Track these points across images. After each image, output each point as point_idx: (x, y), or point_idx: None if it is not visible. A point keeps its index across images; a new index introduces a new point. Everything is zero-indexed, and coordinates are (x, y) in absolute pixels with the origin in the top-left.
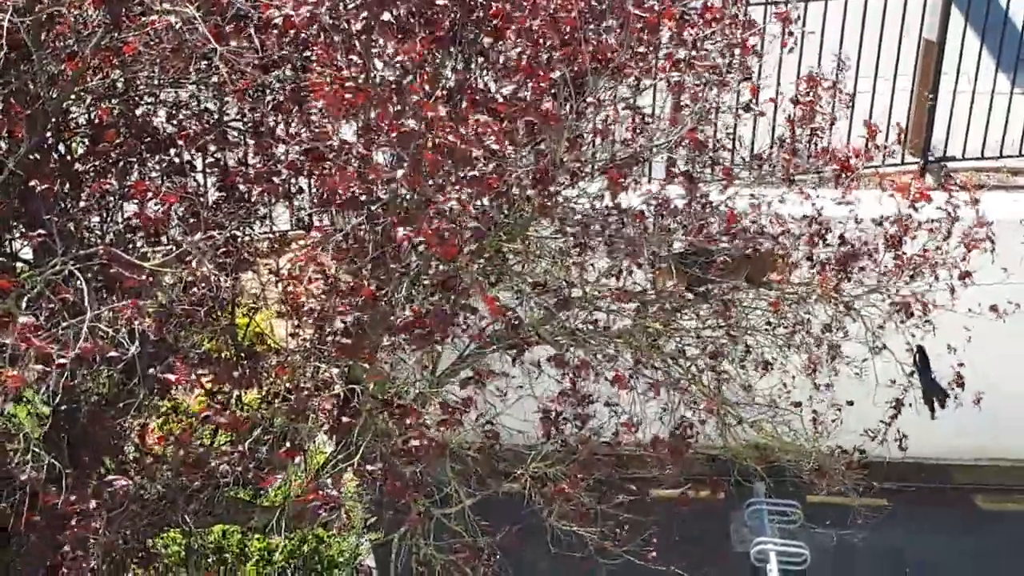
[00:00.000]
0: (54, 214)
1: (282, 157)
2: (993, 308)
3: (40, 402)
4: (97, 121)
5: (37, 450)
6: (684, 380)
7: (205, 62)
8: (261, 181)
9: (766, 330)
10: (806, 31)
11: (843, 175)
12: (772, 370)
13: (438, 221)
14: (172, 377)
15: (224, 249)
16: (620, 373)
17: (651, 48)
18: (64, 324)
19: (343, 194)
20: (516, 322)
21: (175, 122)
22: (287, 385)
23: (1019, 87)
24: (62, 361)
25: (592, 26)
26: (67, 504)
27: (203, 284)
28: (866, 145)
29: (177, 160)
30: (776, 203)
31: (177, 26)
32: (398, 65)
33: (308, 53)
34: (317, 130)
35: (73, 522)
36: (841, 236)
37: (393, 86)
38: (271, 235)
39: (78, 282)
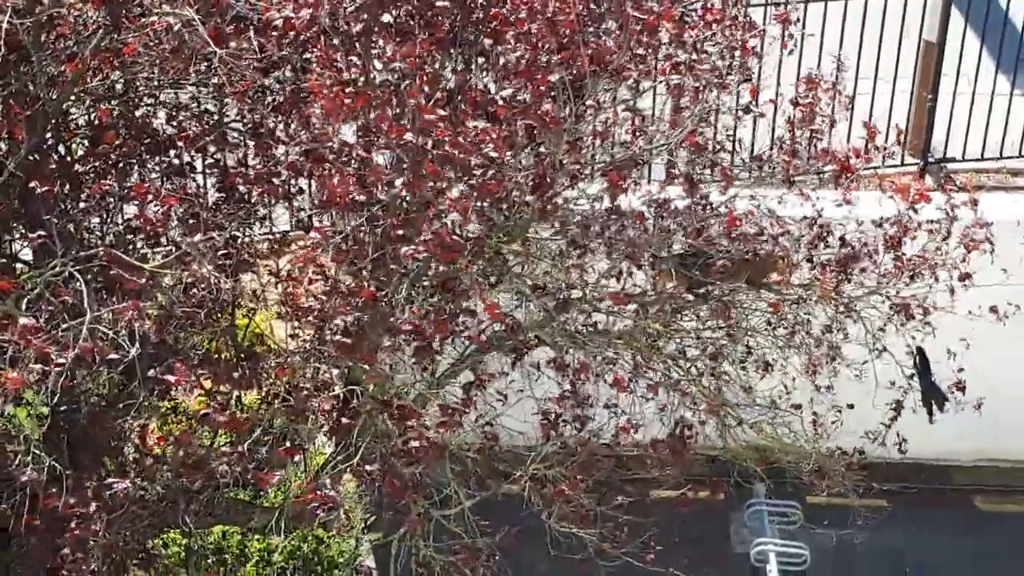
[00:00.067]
0: (54, 215)
1: (282, 158)
2: (993, 310)
3: (40, 403)
4: (97, 122)
5: (37, 451)
6: (684, 381)
7: (205, 64)
8: (261, 182)
9: (766, 331)
10: (806, 33)
11: (843, 176)
12: (772, 371)
13: (439, 225)
14: (172, 378)
15: (224, 250)
16: (619, 376)
17: (650, 50)
18: (64, 326)
19: (342, 199)
20: (515, 325)
21: (175, 123)
22: (287, 386)
23: (1019, 88)
24: (61, 361)
25: (591, 28)
26: (67, 506)
27: (203, 285)
28: (866, 146)
29: (177, 161)
30: (776, 204)
31: (176, 28)
32: (397, 68)
33: (308, 55)
34: (317, 132)
35: (73, 524)
36: (841, 238)
37: (392, 88)
38: (271, 236)
39: (78, 283)
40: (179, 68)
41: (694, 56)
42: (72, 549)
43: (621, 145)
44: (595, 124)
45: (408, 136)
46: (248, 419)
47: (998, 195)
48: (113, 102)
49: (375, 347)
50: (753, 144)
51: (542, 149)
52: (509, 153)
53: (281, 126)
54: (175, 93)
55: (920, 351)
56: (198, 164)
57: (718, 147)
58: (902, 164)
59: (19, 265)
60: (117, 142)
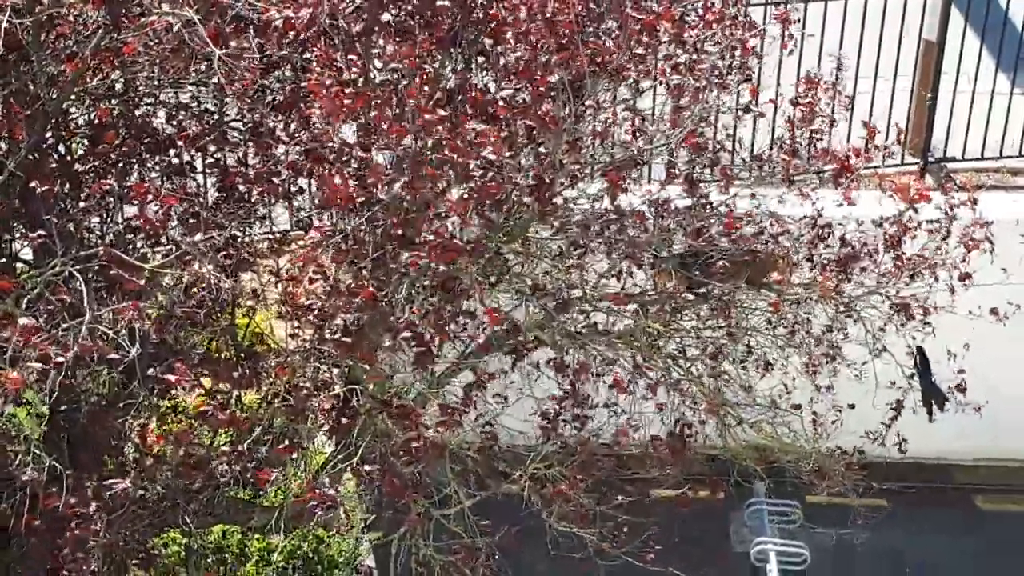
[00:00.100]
0: (54, 215)
1: (282, 157)
2: (993, 311)
3: (40, 403)
4: (97, 122)
5: (37, 451)
6: (684, 380)
7: (205, 63)
8: (261, 181)
9: (766, 330)
10: (806, 33)
11: (842, 175)
12: (772, 371)
13: (438, 224)
14: (172, 378)
15: (224, 250)
16: (619, 378)
17: (649, 50)
18: (64, 325)
19: (343, 200)
20: (515, 326)
21: (175, 123)
22: (286, 385)
23: (1019, 87)
24: (60, 360)
25: (590, 28)
26: (67, 506)
27: (203, 285)
28: (866, 145)
29: (177, 161)
30: (776, 204)
31: (176, 28)
32: (397, 68)
33: (308, 55)
34: (317, 132)
35: (73, 524)
36: (842, 238)
37: (392, 88)
38: (271, 235)
39: (78, 283)
40: (179, 67)
41: (694, 56)
42: (72, 549)
43: (621, 145)
44: (595, 124)
45: (407, 141)
46: (248, 418)
47: (998, 194)
48: (113, 101)
49: (375, 346)
50: (753, 144)
51: (542, 149)
52: (508, 154)
53: (281, 125)
54: (175, 92)
55: (920, 351)
56: (198, 163)
57: (718, 147)
58: (902, 163)
59: (19, 264)
60: (117, 141)
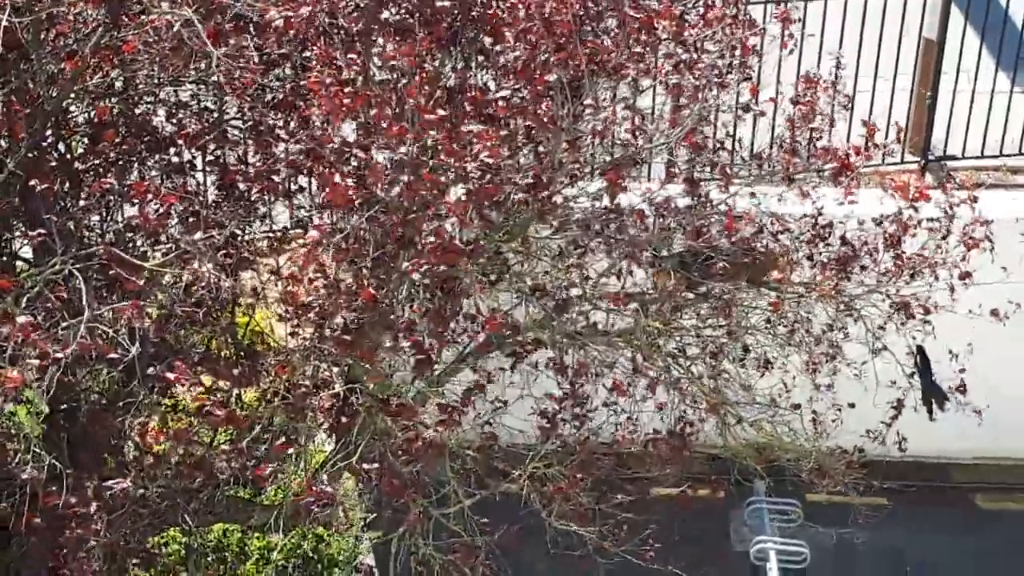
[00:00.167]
0: (54, 213)
1: (282, 156)
2: (994, 313)
3: (40, 402)
4: (96, 120)
5: (37, 450)
6: (684, 379)
7: (205, 61)
8: (261, 179)
9: (766, 329)
10: (806, 32)
11: (842, 174)
12: (772, 370)
13: (437, 224)
14: (172, 375)
15: (224, 249)
16: (618, 382)
17: (647, 48)
18: (64, 324)
19: (342, 201)
20: (515, 327)
21: (175, 121)
22: (286, 384)
23: (1019, 86)
24: (59, 356)
25: (589, 27)
26: (68, 505)
27: (203, 284)
28: (866, 144)
29: (177, 159)
30: (776, 202)
31: (175, 27)
32: (396, 66)
33: (308, 53)
34: (316, 131)
35: (73, 524)
36: (842, 237)
37: (392, 87)
38: (271, 234)
39: (77, 282)
40: (179, 65)
41: (694, 55)
42: (73, 549)
43: (621, 144)
44: (595, 123)
45: (403, 149)
46: (248, 416)
47: (998, 193)
48: (113, 100)
49: (375, 346)
50: (753, 142)
51: (541, 148)
52: (507, 154)
53: (281, 124)
54: (175, 91)
55: (920, 350)
56: (198, 162)
57: (718, 146)
58: (902, 162)
59: (19, 263)
60: (117, 140)
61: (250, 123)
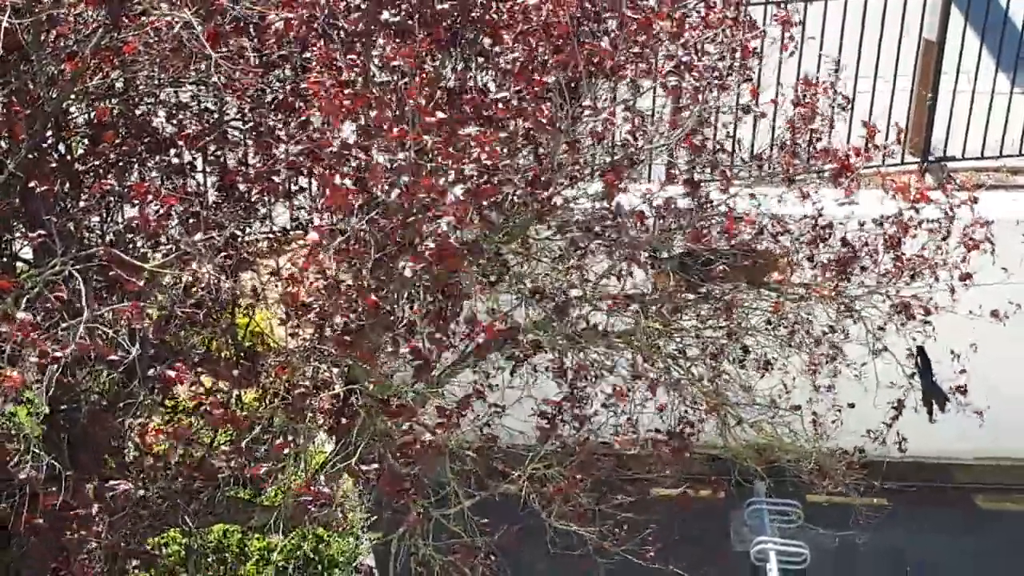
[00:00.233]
0: (54, 214)
1: (282, 157)
2: (994, 313)
3: (41, 403)
4: (97, 121)
5: (36, 450)
6: (684, 380)
7: (205, 62)
8: (261, 180)
9: (767, 330)
10: (806, 35)
11: (842, 175)
12: (772, 371)
13: (435, 226)
14: (172, 374)
15: (224, 250)
16: (619, 387)
17: (646, 49)
18: (63, 325)
19: (342, 205)
20: (515, 330)
21: (175, 122)
22: (286, 384)
23: (1019, 87)
24: (58, 355)
25: (586, 28)
26: (69, 507)
27: (203, 285)
28: (866, 145)
29: (177, 160)
30: (776, 204)
31: (176, 28)
32: (396, 67)
33: (308, 54)
34: (316, 132)
35: (75, 525)
36: (843, 239)
37: (392, 88)
38: (271, 234)
39: (77, 283)
40: (179, 67)
41: (694, 57)
42: (75, 550)
43: (621, 146)
44: (595, 124)
45: (402, 155)
46: (247, 417)
47: (998, 193)
48: (113, 101)
49: (375, 347)
50: (753, 144)
51: (540, 150)
52: (505, 156)
53: (280, 125)
54: (175, 91)
55: (921, 350)
56: (198, 163)
57: (718, 147)
58: (902, 163)
59: (19, 264)
60: (117, 141)
61: (250, 124)
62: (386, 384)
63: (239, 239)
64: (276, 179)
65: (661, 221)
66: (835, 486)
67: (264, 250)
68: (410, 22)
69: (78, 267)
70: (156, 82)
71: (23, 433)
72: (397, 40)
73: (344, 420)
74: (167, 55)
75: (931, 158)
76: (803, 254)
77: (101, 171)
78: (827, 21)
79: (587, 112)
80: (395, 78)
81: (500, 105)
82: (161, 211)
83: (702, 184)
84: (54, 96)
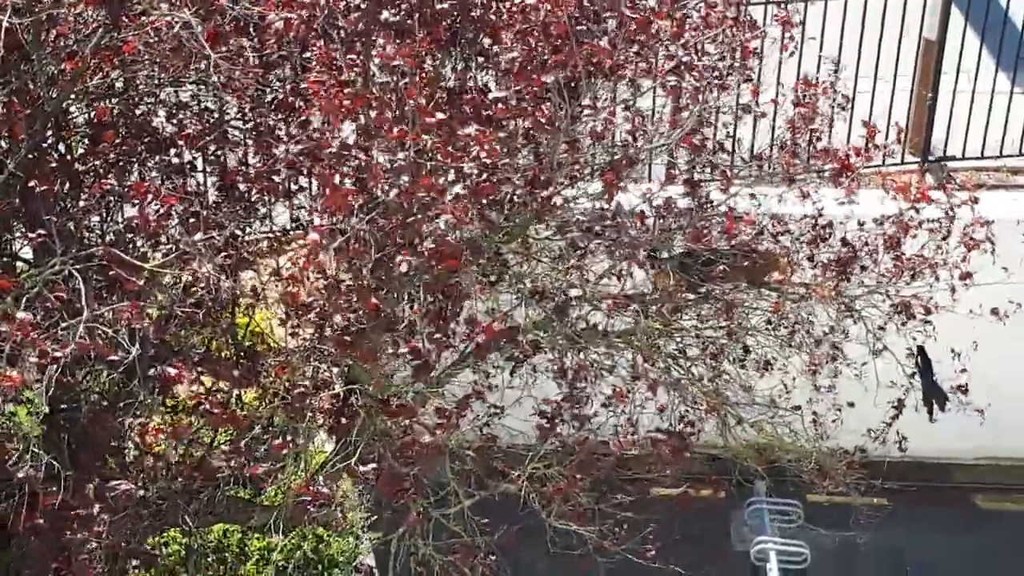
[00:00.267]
0: (54, 214)
1: (282, 156)
2: (994, 312)
3: (41, 403)
4: (97, 121)
5: (35, 450)
6: (684, 380)
7: (205, 61)
8: (261, 180)
9: (767, 330)
10: (806, 35)
11: (843, 174)
12: (772, 370)
13: (433, 226)
14: (172, 372)
15: (224, 250)
16: (619, 389)
17: (645, 48)
18: (63, 325)
19: (341, 206)
20: (515, 330)
21: (175, 121)
22: (286, 384)
23: (1019, 86)
24: (58, 355)
25: (585, 27)
26: (70, 507)
27: (203, 284)
28: (866, 145)
29: (177, 160)
30: (776, 203)
31: (175, 28)
32: (396, 67)
33: (308, 54)
34: (316, 132)
35: (76, 525)
36: (843, 239)
37: (392, 88)
38: (271, 234)
39: (77, 282)
40: (179, 66)
41: (694, 57)
42: (76, 551)
43: (621, 145)
44: (595, 124)
45: (400, 156)
46: (247, 416)
47: (998, 193)
48: (113, 100)
49: (375, 347)
50: (753, 143)
51: (540, 150)
52: (505, 155)
53: (281, 124)
54: (175, 91)
55: (921, 350)
56: (198, 162)
57: (718, 147)
58: (902, 163)
59: (19, 264)
60: (117, 141)
61: (251, 124)
62: (386, 384)
63: (239, 239)
64: (276, 179)
65: (661, 221)
66: (835, 486)
67: (264, 250)
68: (409, 21)
69: (78, 267)
70: (156, 82)
71: (23, 433)
72: (397, 40)
73: (344, 420)
74: (167, 55)
75: (931, 158)
76: (803, 254)
77: (101, 171)
78: (827, 21)
79: (587, 112)
80: (395, 78)
81: (500, 105)
82: (161, 211)
83: (702, 184)
84: (54, 96)
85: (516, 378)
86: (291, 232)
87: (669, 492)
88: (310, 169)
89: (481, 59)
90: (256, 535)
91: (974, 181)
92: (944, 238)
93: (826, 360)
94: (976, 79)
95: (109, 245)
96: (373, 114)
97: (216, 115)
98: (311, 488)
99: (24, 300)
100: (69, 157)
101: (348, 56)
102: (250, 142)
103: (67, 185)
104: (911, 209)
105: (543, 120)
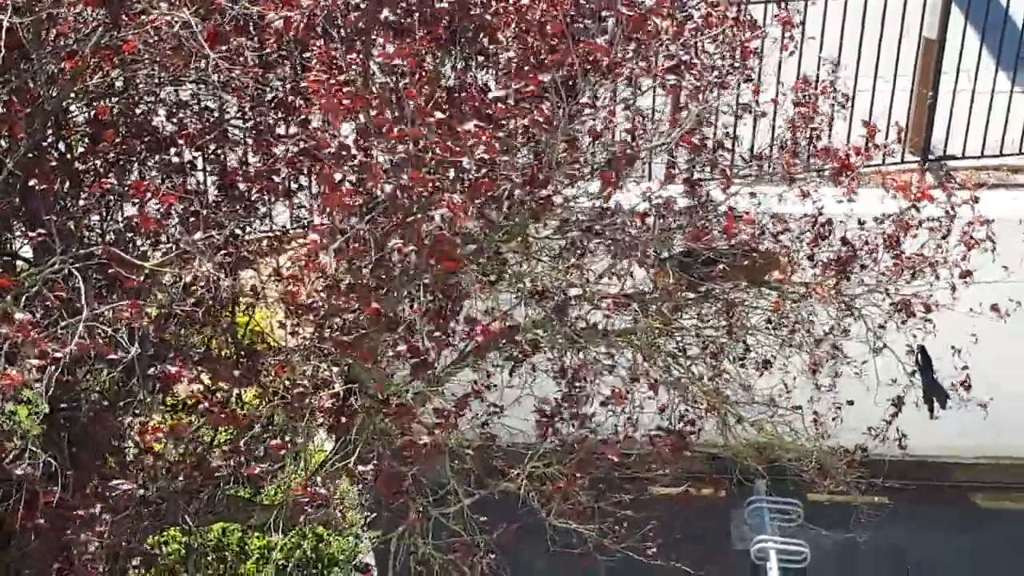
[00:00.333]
0: (54, 213)
1: (281, 155)
2: (994, 308)
3: (41, 402)
4: (97, 120)
5: (34, 448)
6: (684, 379)
7: (205, 60)
8: (261, 179)
9: (767, 330)
10: (806, 35)
11: (843, 174)
12: (772, 370)
13: (433, 226)
14: (172, 370)
15: (224, 249)
16: (618, 389)
17: (642, 46)
18: (63, 324)
19: (339, 207)
20: (514, 330)
21: (175, 120)
22: (286, 383)
23: (1019, 86)
24: (58, 356)
25: (582, 25)
26: (71, 507)
27: (203, 284)
28: (866, 144)
29: (177, 159)
30: (776, 202)
31: (175, 27)
32: (396, 68)
33: (308, 53)
34: (316, 132)
35: (78, 525)
36: (843, 239)
37: (392, 88)
38: (271, 233)
39: (77, 281)
40: (179, 65)
41: (693, 57)
42: (81, 552)
43: (620, 144)
44: (595, 123)
45: (400, 148)
46: (247, 415)
47: (998, 192)
48: (113, 100)
49: (375, 347)
50: (753, 143)
51: (539, 148)
52: (504, 153)
53: (281, 124)
54: (175, 90)
55: (922, 349)
56: (199, 162)
57: (718, 146)
58: (902, 162)
59: (20, 263)
60: (117, 140)
61: (250, 123)
62: (386, 385)
63: (239, 238)
64: (276, 178)
65: (661, 220)
66: (836, 485)
67: (264, 249)
68: (409, 20)
69: (78, 266)
70: (156, 81)
71: (23, 432)
72: (396, 39)
73: (343, 419)
74: (167, 54)
75: (931, 157)
76: (803, 253)
77: (101, 170)
78: (827, 21)
79: (586, 111)
80: (395, 78)
81: (499, 104)
82: (161, 210)
83: (702, 183)
84: (54, 95)
85: (516, 377)
86: (291, 231)
87: (670, 491)
88: (310, 168)
89: (481, 58)
90: (256, 534)
91: (974, 180)
92: (944, 237)
93: (826, 359)
94: (976, 78)
95: (109, 244)
96: (373, 113)
97: (216, 114)
98: (309, 489)
99: (24, 299)
100: (69, 156)
101: (348, 56)
102: (250, 141)
103: (67, 184)
104: (911, 208)
105: (541, 119)
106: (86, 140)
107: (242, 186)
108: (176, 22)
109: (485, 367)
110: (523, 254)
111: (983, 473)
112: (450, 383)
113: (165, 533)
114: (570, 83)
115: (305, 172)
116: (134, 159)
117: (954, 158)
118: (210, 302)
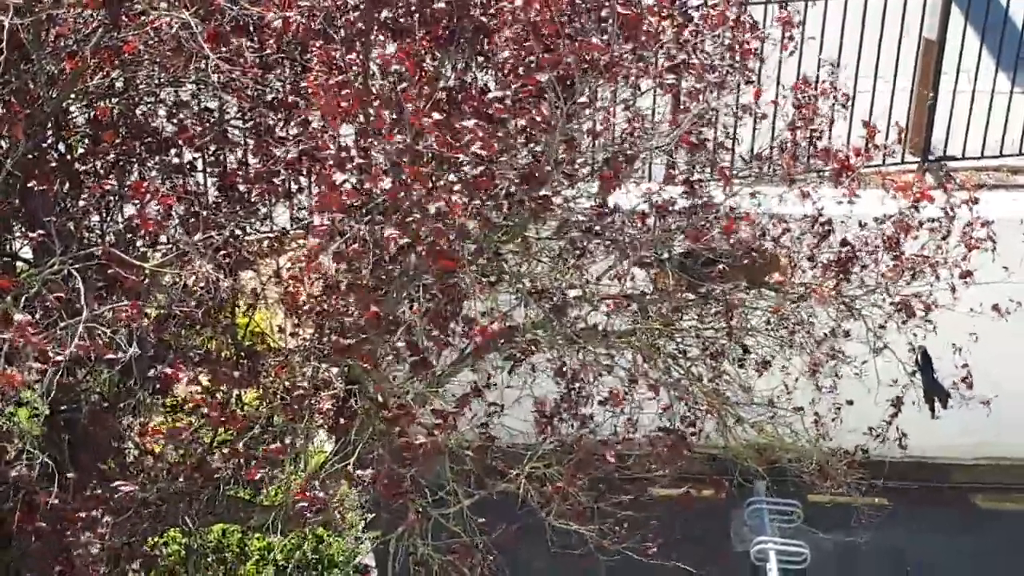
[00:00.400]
0: (54, 214)
1: (281, 156)
2: (995, 308)
3: (40, 403)
4: (97, 120)
5: (32, 449)
6: (684, 380)
7: (205, 61)
8: (261, 181)
9: (767, 330)
10: (806, 35)
11: (843, 174)
12: (772, 371)
13: (433, 223)
14: (171, 371)
15: (223, 249)
16: (616, 391)
17: (641, 46)
18: (62, 324)
19: (337, 209)
20: (514, 330)
21: (175, 121)
22: (285, 384)
23: (1019, 86)
24: (58, 359)
25: (579, 24)
26: (71, 508)
27: (203, 285)
28: (866, 145)
29: (177, 160)
30: (776, 203)
31: (175, 29)
32: (394, 71)
33: (307, 54)
34: (315, 133)
35: (80, 526)
36: (843, 239)
37: (391, 90)
38: (271, 234)
39: (77, 282)
40: (179, 66)
41: (693, 57)
42: (83, 554)
43: (619, 144)
44: (594, 123)
45: (398, 138)
46: (247, 416)
47: (998, 193)
48: (113, 100)
49: (374, 350)
50: (753, 143)
51: (537, 148)
52: (502, 152)
53: (280, 125)
54: (175, 91)
55: (922, 349)
56: (198, 162)
57: (718, 147)
58: (902, 162)
59: (19, 264)
60: (117, 141)
61: (250, 123)
62: (387, 388)
63: (239, 239)
64: (276, 180)
65: (661, 221)
66: (836, 486)
67: (264, 250)
68: (409, 21)
69: (77, 267)
70: (156, 82)
71: (23, 433)
72: (396, 39)
73: (343, 420)
74: (167, 55)
75: (931, 158)
76: (803, 254)
77: (101, 171)
78: (827, 21)
79: (585, 110)
80: (394, 80)
81: (498, 104)
82: (161, 211)
83: (702, 183)
84: (54, 96)
85: (515, 377)
86: (291, 232)
87: (670, 492)
88: (310, 169)
89: (480, 59)
90: (256, 535)
91: (974, 181)
92: (944, 237)
93: (826, 360)
94: (976, 79)
95: (109, 245)
96: (372, 115)
97: (216, 115)
98: (308, 493)
99: (24, 300)
100: (69, 157)
101: (348, 56)
102: (250, 142)
103: (67, 185)
104: (911, 209)
105: (538, 118)
106: (86, 141)
107: (242, 187)
108: (176, 23)
109: (485, 367)
110: (523, 254)
111: (983, 474)
112: (450, 383)
113: (165, 534)
114: (568, 83)
115: (305, 173)
116: (134, 160)
117: (954, 159)
118: (210, 303)
